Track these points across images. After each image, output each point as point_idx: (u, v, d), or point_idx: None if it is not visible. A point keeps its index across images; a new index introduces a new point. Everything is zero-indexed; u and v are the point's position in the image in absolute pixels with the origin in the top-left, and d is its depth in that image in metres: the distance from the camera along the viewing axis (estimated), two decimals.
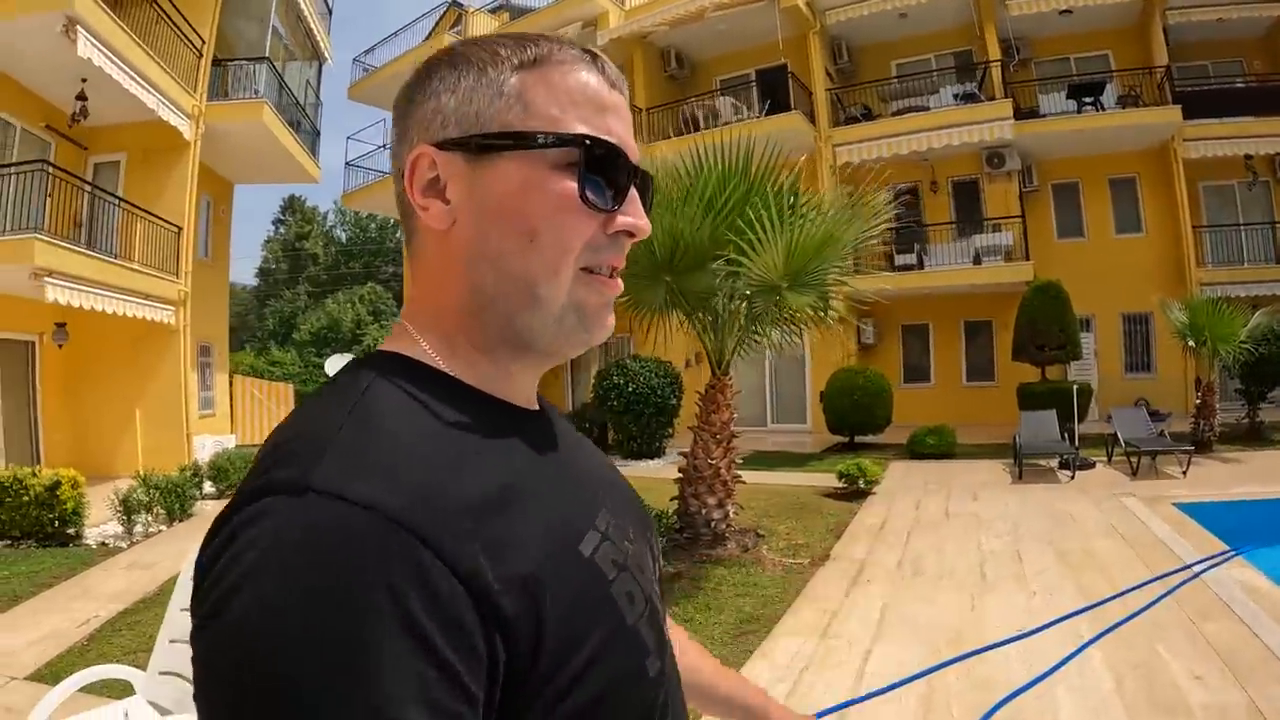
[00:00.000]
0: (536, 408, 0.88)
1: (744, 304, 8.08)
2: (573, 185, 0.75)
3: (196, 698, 0.58)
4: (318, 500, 0.60)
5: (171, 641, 3.63)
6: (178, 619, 3.67)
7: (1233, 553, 8.03)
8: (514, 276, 0.77)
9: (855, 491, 11.31)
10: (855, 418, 16.24)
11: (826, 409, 16.58)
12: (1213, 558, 7.74)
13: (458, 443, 0.70)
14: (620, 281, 0.83)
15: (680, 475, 8.44)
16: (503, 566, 0.64)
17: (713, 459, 8.16)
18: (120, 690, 3.86)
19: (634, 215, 0.80)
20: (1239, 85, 21.46)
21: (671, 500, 8.52)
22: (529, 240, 0.76)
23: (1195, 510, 10.16)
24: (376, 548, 0.58)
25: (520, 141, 0.75)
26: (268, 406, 21.69)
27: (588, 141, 0.76)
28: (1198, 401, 14.51)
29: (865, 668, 5.18)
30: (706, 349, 8.39)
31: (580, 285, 0.79)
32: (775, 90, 19.88)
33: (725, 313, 8.13)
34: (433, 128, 0.79)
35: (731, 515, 8.33)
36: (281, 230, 58.07)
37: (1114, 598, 6.52)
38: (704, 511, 8.16)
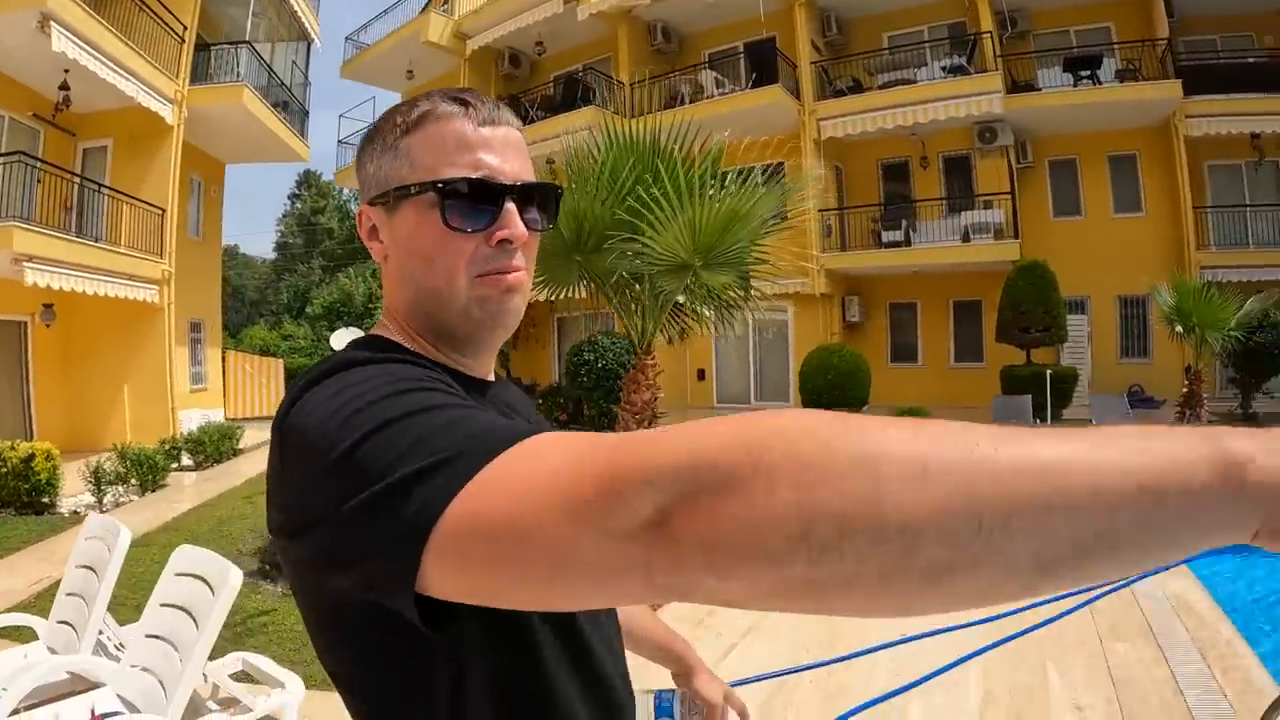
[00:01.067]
0: (491, 378, 1.18)
1: (652, 283, 8.27)
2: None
3: (330, 471, 0.76)
4: (368, 364, 0.90)
5: (68, 595, 4.37)
6: (73, 575, 4.42)
7: (1179, 561, 7.94)
8: (425, 289, 1.04)
9: None
10: (829, 397, 16.63)
11: (802, 388, 17.13)
12: (1153, 570, 7.34)
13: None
14: (518, 275, 1.06)
15: None
16: None
17: None
18: (31, 636, 4.55)
19: (507, 226, 1.02)
20: (1248, 61, 21.36)
21: None
22: (428, 265, 1.03)
23: None
24: (408, 367, 0.90)
25: (403, 193, 1.02)
26: (259, 381, 22.84)
27: (440, 185, 0.99)
28: (1185, 390, 14.58)
29: (724, 661, 5.35)
30: (628, 328, 8.79)
31: (479, 286, 1.04)
32: (763, 64, 20.42)
33: (643, 292, 8.40)
34: (365, 190, 1.08)
35: None
36: (297, 205, 59.69)
37: (1029, 608, 6.12)
38: None
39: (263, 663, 4.36)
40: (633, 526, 0.56)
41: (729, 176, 8.19)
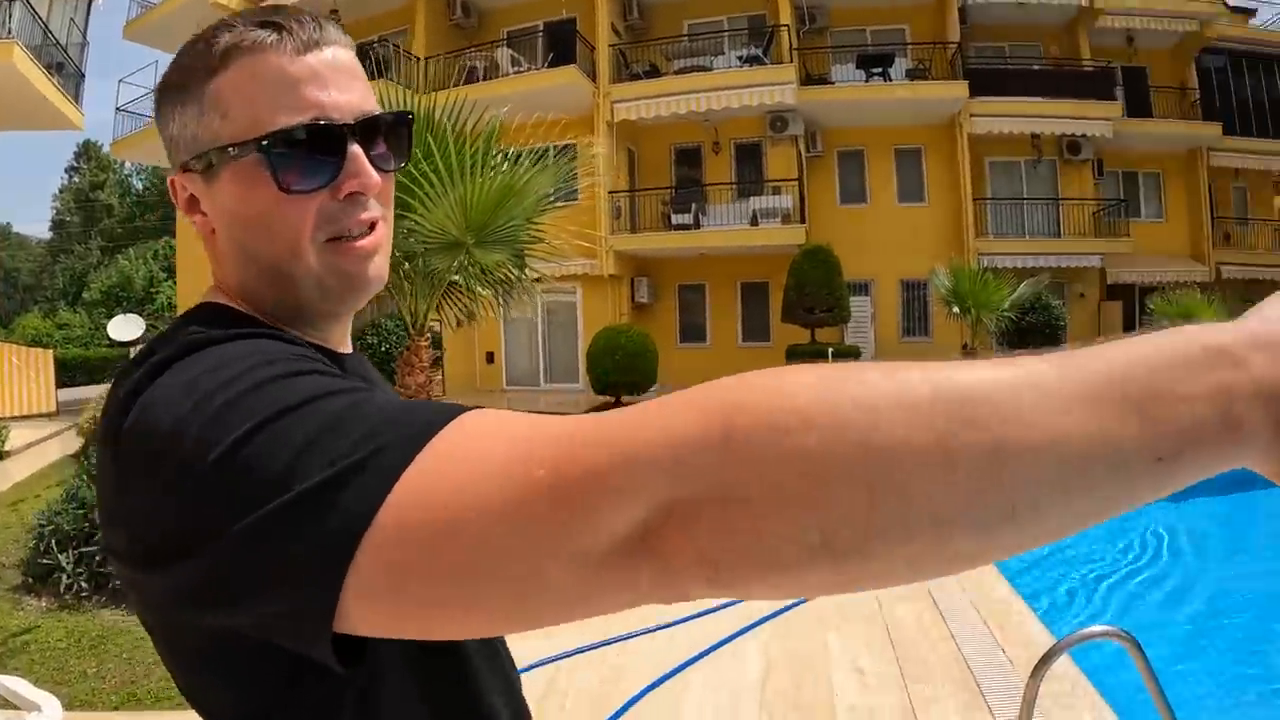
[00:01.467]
0: (349, 350, 1.06)
1: (424, 262, 8.28)
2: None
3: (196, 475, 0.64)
4: (226, 341, 0.78)
5: None
6: None
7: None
8: (267, 266, 0.91)
9: None
10: (617, 377, 17.47)
11: (590, 369, 17.90)
12: None
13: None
14: (376, 234, 0.94)
15: None
16: None
17: None
18: None
19: (355, 175, 0.89)
20: (1033, 68, 24.34)
21: None
22: (264, 235, 0.89)
23: None
24: (275, 343, 0.81)
25: (221, 155, 0.87)
26: (27, 375, 22.22)
27: (264, 141, 0.84)
28: None
29: None
30: (401, 309, 8.86)
31: (329, 254, 0.90)
32: (562, 44, 21.42)
33: (414, 271, 8.44)
34: (175, 153, 0.92)
35: None
36: (75, 179, 57.55)
37: None
38: None
39: (18, 685, 4.18)
40: (608, 547, 0.50)
41: (521, 156, 8.36)
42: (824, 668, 4.95)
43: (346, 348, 1.05)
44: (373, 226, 0.94)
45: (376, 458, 0.58)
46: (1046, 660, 3.18)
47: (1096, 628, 3.36)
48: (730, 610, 5.77)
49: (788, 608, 5.85)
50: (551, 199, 8.58)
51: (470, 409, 0.62)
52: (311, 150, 0.88)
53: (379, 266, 0.96)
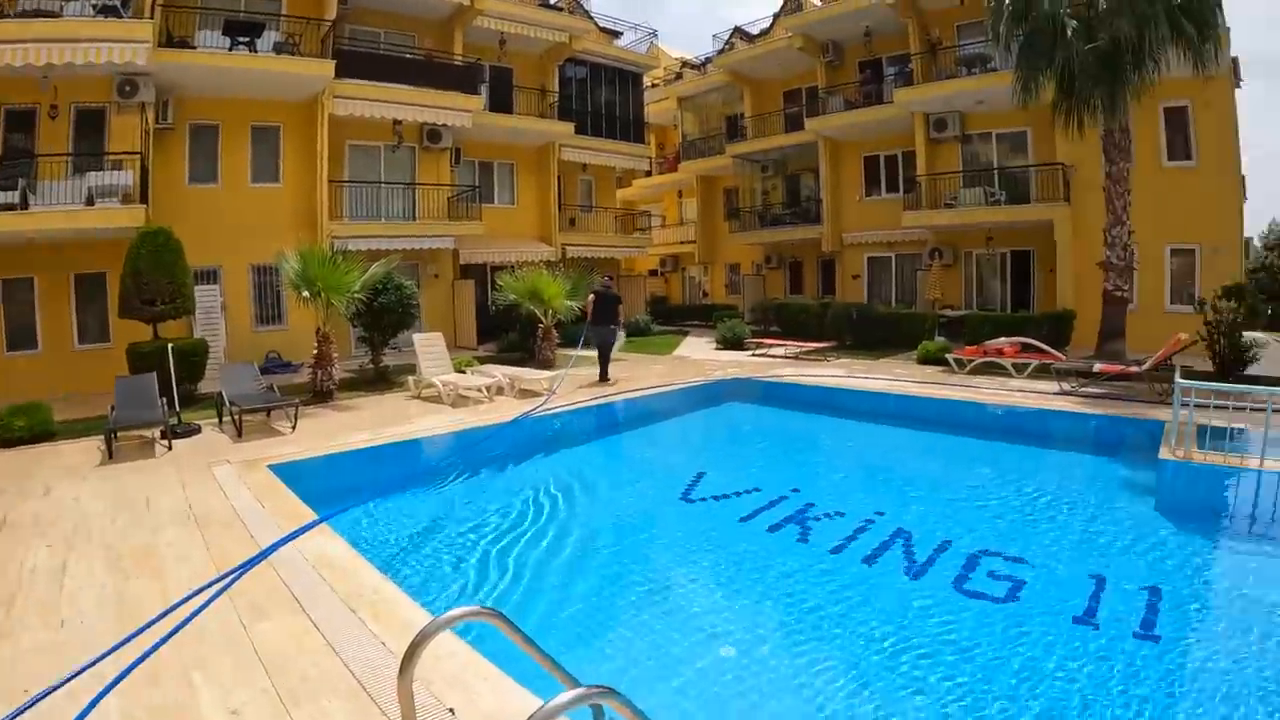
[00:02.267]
0: None
1: None
2: None
3: None
4: None
5: None
6: None
7: (318, 520, 8.30)
8: None
9: None
10: None
11: None
12: (292, 535, 7.81)
13: None
14: None
15: None
16: None
17: None
18: None
19: None
20: (406, 56, 26.46)
21: None
22: None
23: (293, 470, 10.76)
24: None
25: None
26: None
27: None
28: (315, 351, 17.23)
29: None
30: None
31: None
32: None
33: None
34: None
35: None
36: None
37: (162, 616, 6.03)
38: None
39: None
40: None
41: None
42: (195, 714, 4.63)
43: None
44: None
45: None
46: (412, 654, 3.43)
47: (459, 610, 3.59)
48: (81, 681, 5.09)
49: (142, 658, 5.34)
50: None
51: None
52: None
53: None
